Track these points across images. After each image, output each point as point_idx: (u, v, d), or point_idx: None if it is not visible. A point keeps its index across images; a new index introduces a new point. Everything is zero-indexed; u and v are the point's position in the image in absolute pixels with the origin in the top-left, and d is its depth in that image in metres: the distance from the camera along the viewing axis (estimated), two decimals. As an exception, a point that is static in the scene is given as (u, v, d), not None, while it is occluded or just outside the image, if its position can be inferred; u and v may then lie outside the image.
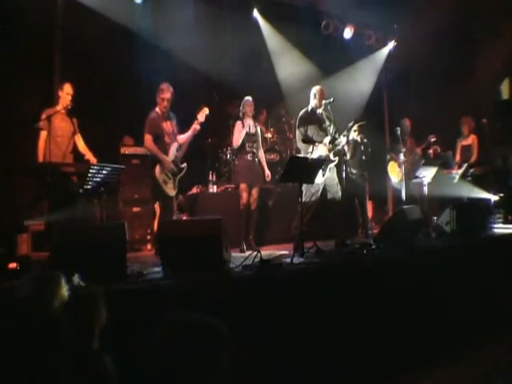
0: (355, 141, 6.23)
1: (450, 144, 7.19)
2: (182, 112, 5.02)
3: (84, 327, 1.96)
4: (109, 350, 1.92)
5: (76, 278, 2.84)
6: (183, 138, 4.91)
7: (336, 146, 5.01)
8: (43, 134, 4.55)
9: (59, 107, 4.68)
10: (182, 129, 4.97)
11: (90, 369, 1.81)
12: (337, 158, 5.05)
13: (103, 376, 1.81)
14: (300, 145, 5.16)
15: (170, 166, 4.72)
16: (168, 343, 1.28)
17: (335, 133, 5.15)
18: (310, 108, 5.21)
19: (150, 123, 4.76)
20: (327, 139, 5.05)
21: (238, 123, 5.36)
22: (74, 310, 2.01)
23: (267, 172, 5.52)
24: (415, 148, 6.78)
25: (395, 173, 6.72)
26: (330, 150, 5.00)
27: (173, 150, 4.81)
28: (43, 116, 4.50)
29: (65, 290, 2.11)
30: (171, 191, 4.75)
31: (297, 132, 5.21)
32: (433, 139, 6.59)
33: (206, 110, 4.83)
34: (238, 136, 5.28)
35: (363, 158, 6.53)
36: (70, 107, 4.69)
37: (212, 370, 1.27)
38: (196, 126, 4.84)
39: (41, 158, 4.55)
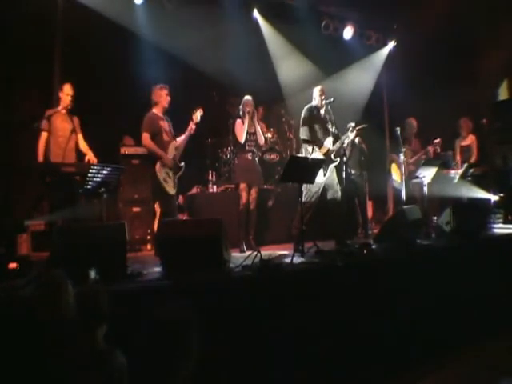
0: (352, 142, 6.24)
1: (450, 144, 7.18)
2: (182, 112, 5.03)
3: (90, 324, 1.98)
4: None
5: (93, 273, 2.85)
6: (180, 139, 4.92)
7: (338, 147, 5.03)
8: (44, 135, 4.59)
9: (60, 108, 4.70)
10: (181, 129, 4.98)
11: (101, 364, 1.83)
12: (338, 159, 5.07)
13: (116, 370, 1.83)
14: (303, 143, 5.18)
15: (169, 162, 4.72)
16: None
17: (336, 133, 5.17)
18: (314, 106, 5.23)
19: (148, 121, 4.77)
20: (329, 140, 5.07)
21: (239, 121, 5.36)
22: (80, 309, 2.02)
23: None
24: (420, 149, 6.72)
25: (398, 173, 6.71)
26: (331, 152, 5.02)
27: (171, 148, 4.81)
28: (44, 117, 4.52)
29: (70, 290, 2.12)
30: (171, 189, 4.75)
31: (301, 129, 5.20)
32: (439, 143, 6.57)
33: (200, 111, 4.85)
34: (241, 131, 5.26)
35: (362, 158, 6.52)
36: (70, 107, 4.71)
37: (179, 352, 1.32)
38: (192, 127, 4.85)
39: (41, 159, 4.58)
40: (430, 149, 6.55)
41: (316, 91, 5.26)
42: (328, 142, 5.07)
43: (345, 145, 5.17)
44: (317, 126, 5.14)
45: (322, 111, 5.20)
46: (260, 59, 7.35)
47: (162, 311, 1.41)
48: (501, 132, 7.68)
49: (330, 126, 5.17)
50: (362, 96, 8.38)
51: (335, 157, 5.07)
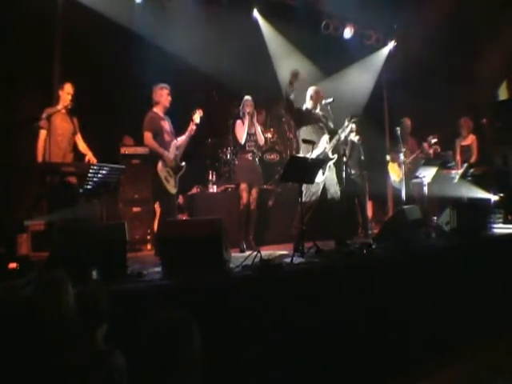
0: (352, 141, 6.22)
1: (449, 144, 7.19)
2: (182, 112, 5.03)
3: (90, 324, 1.98)
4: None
5: (94, 274, 2.85)
6: (180, 140, 4.93)
7: (334, 143, 5.02)
8: (43, 133, 4.56)
9: (60, 107, 4.69)
10: (181, 129, 4.98)
11: (101, 364, 1.83)
12: (336, 156, 5.05)
13: (116, 370, 1.83)
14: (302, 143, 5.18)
15: (171, 161, 4.73)
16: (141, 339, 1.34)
17: (334, 129, 5.15)
18: (304, 108, 5.21)
19: (149, 121, 4.78)
20: (325, 137, 5.06)
21: (239, 122, 5.37)
22: (80, 309, 2.02)
23: None
24: (417, 148, 6.74)
25: (396, 173, 6.72)
26: (328, 149, 5.01)
27: (173, 148, 4.82)
28: (43, 115, 4.51)
29: (70, 290, 2.12)
30: (172, 189, 4.76)
31: (300, 131, 5.21)
32: (433, 140, 6.57)
33: (200, 112, 4.87)
34: (242, 132, 5.28)
35: (362, 158, 6.52)
36: (70, 107, 4.70)
37: (180, 359, 1.32)
38: (192, 127, 4.86)
39: (40, 158, 4.55)
40: (426, 146, 6.56)
41: (310, 92, 5.24)
42: (323, 141, 5.05)
43: (342, 139, 5.14)
44: (310, 126, 5.12)
45: (316, 110, 5.19)
46: (260, 59, 7.35)
47: (162, 311, 1.41)
48: (501, 132, 7.68)
49: (324, 126, 5.15)
50: (362, 96, 8.38)
51: (333, 153, 5.04)
